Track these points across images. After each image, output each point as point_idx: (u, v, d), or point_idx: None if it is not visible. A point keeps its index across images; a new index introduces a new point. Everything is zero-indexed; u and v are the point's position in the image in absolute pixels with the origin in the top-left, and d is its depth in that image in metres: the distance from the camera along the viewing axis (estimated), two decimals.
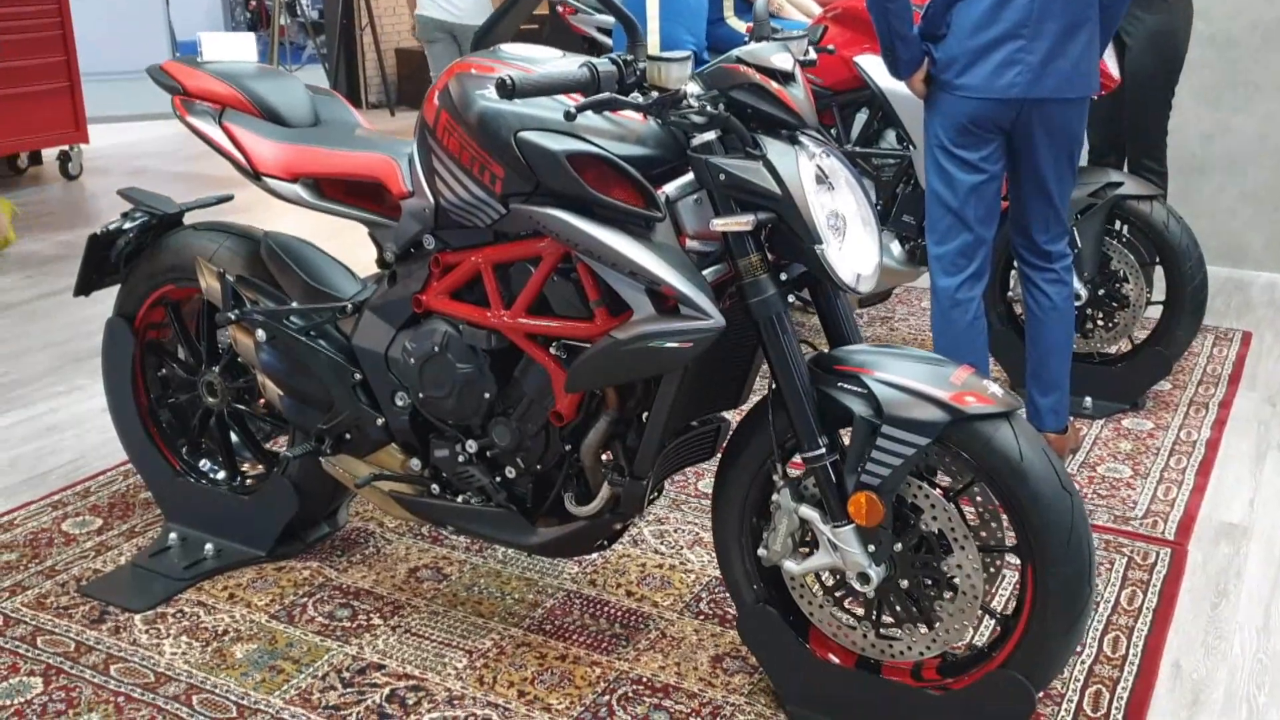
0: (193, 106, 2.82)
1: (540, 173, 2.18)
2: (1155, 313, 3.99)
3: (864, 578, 2.21)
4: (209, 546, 3.03)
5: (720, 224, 2.11)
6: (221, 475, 3.13)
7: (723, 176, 2.12)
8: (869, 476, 2.15)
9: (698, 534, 3.16)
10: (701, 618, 2.77)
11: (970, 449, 2.14)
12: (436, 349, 2.48)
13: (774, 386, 2.25)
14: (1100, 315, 3.95)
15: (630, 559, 3.03)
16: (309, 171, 2.65)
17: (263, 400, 2.92)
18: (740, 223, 2.10)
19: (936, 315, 3.37)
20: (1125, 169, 4.60)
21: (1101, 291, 3.92)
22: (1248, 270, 5.59)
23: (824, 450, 2.19)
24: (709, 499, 3.25)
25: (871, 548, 2.19)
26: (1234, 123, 5.49)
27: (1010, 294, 4.04)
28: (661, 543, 3.11)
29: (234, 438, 3.13)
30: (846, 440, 2.23)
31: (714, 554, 2.98)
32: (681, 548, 3.09)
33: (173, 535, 3.09)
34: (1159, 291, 3.94)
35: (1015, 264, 3.61)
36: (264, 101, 2.78)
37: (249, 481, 3.13)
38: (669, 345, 2.15)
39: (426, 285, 2.51)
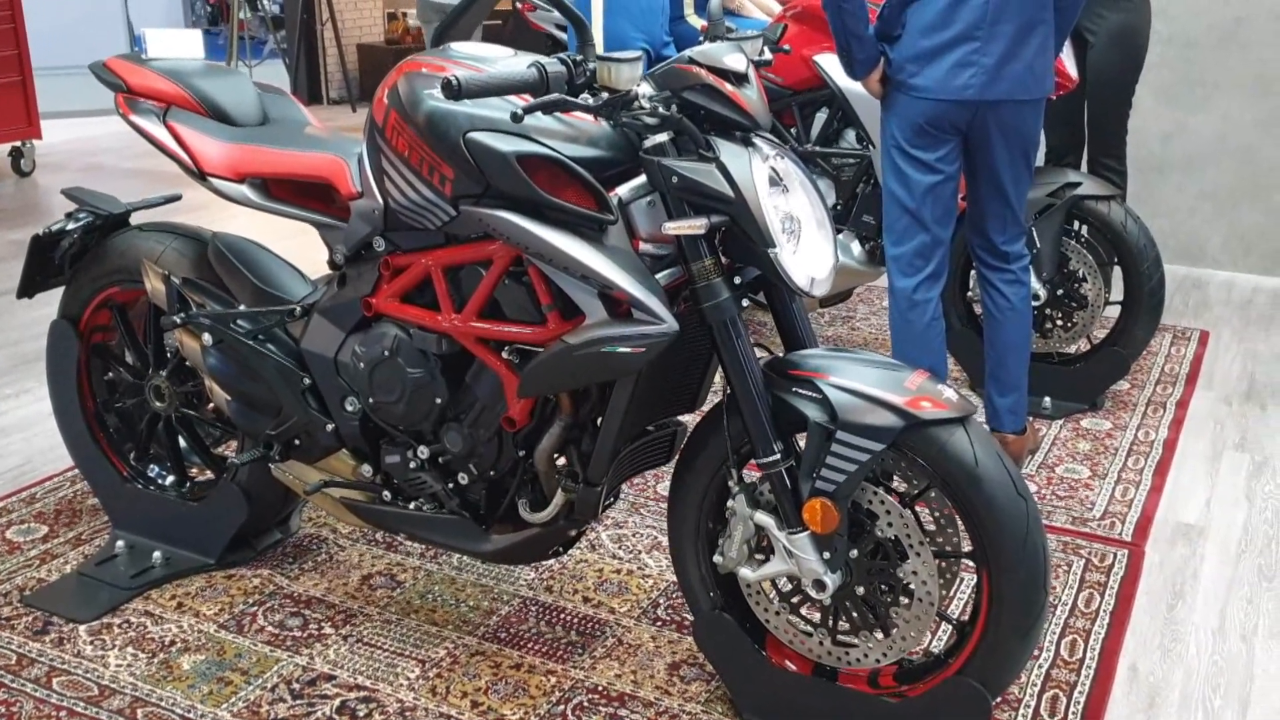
0: (137, 105, 2.76)
1: (490, 174, 2.14)
2: (1113, 312, 3.99)
3: (820, 585, 2.18)
4: (157, 554, 2.98)
5: (672, 227, 2.08)
6: (170, 481, 3.07)
7: (675, 179, 2.09)
8: (824, 483, 2.13)
9: (656, 538, 3.13)
10: (659, 624, 2.74)
11: (925, 454, 2.12)
12: (386, 353, 2.44)
13: (729, 391, 2.22)
14: (1059, 315, 3.95)
15: (588, 564, 2.99)
16: (256, 171, 2.60)
17: (211, 405, 2.87)
18: (693, 226, 2.07)
19: (895, 315, 3.35)
20: (1085, 168, 4.60)
21: (1060, 291, 3.92)
22: (1205, 269, 5.61)
23: (779, 456, 2.16)
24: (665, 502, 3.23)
25: (827, 555, 2.17)
26: (1192, 122, 5.51)
27: (970, 294, 4.04)
28: (620, 547, 3.08)
29: (182, 443, 3.07)
30: (802, 446, 2.20)
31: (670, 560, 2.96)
32: (640, 552, 3.06)
33: (120, 543, 3.03)
34: (1117, 291, 3.95)
35: (974, 265, 3.60)
36: (210, 100, 2.73)
37: (198, 488, 3.07)
38: (621, 350, 2.12)
39: (376, 288, 2.47)
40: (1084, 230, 3.91)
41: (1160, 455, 3.67)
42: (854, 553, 2.20)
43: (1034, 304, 3.82)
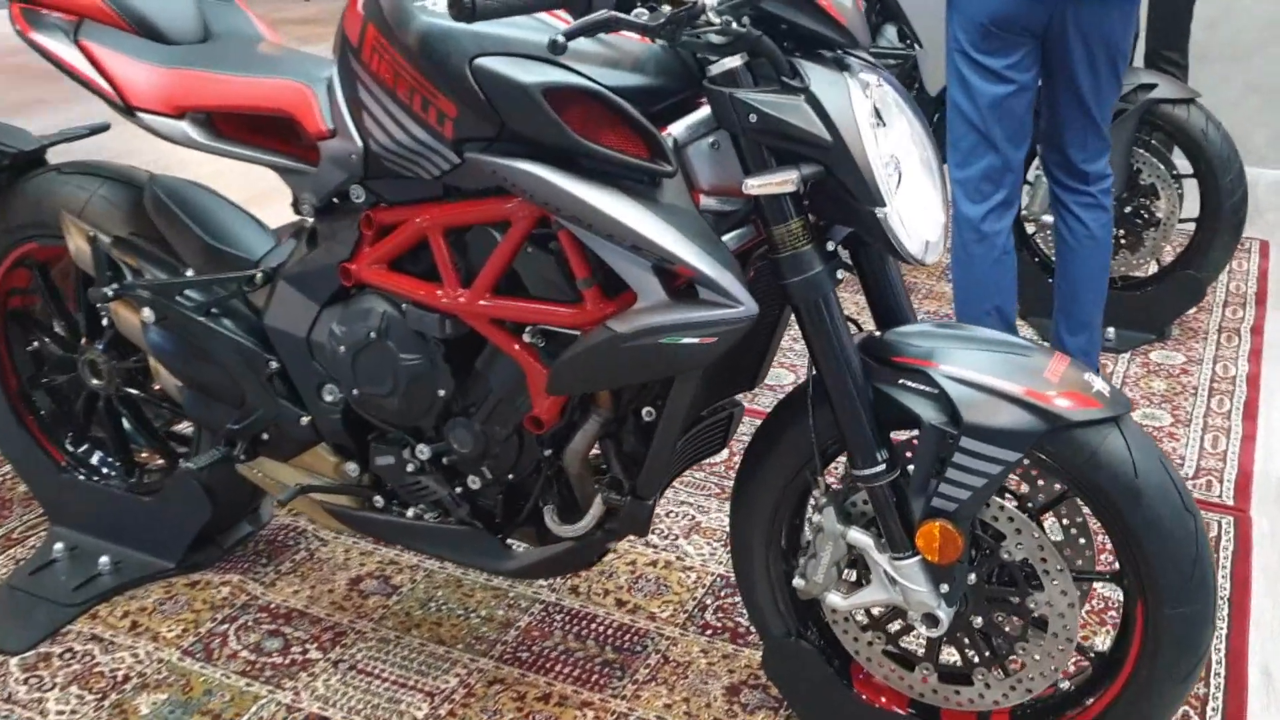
0: (38, 18, 2.20)
1: (506, 112, 1.64)
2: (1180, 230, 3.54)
3: (932, 620, 1.75)
4: (104, 559, 2.51)
5: (756, 185, 1.59)
6: (116, 471, 2.59)
7: (754, 117, 1.59)
8: (943, 501, 1.68)
9: (694, 519, 2.68)
10: (709, 633, 2.31)
11: (1069, 461, 1.67)
12: (372, 335, 1.95)
13: (814, 377, 1.76)
14: (1126, 234, 3.49)
15: (619, 555, 2.55)
16: (198, 104, 2.07)
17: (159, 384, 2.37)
18: (782, 182, 1.58)
19: (957, 248, 2.88)
20: (1141, 61, 4.10)
21: (1129, 209, 3.45)
22: (1252, 168, 5.13)
23: (884, 467, 1.70)
24: (706, 472, 2.79)
25: (944, 587, 1.72)
26: (1240, 6, 5.01)
27: (1023, 211, 3.56)
28: (653, 532, 2.63)
29: (128, 425, 2.58)
30: (905, 447, 1.75)
31: (714, 543, 2.54)
32: (676, 537, 2.62)
33: (59, 545, 2.55)
34: (1190, 207, 3.49)
35: (1047, 182, 3.12)
36: (135, 10, 2.17)
37: (150, 477, 2.59)
38: (687, 341, 1.64)
39: (356, 251, 1.97)
40: (1153, 138, 3.44)
41: (1245, 395, 3.24)
42: (972, 578, 1.76)
43: None
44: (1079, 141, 2.89)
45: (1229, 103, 5.14)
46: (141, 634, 2.34)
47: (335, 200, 2.00)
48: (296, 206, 2.05)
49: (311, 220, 2.03)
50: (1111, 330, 3.50)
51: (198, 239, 2.20)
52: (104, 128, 2.61)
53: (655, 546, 2.57)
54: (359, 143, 1.87)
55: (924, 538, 1.69)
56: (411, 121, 1.76)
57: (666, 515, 2.69)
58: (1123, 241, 3.50)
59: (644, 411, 1.90)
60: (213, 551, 2.55)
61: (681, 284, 1.67)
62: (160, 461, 2.60)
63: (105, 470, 2.60)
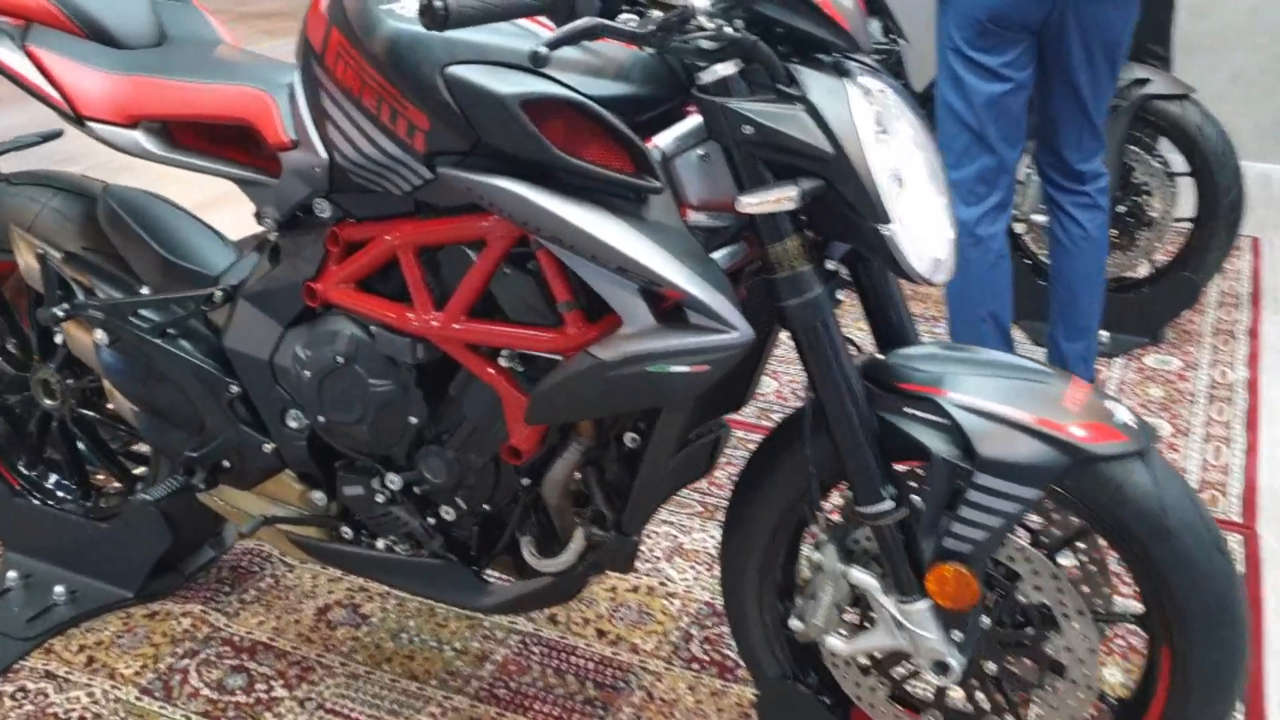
0: None
1: (481, 125, 1.51)
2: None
3: (942, 667, 1.63)
4: (59, 589, 2.37)
5: (752, 203, 1.47)
6: (72, 495, 2.45)
7: (748, 129, 1.47)
8: (956, 541, 1.56)
9: (676, 539, 2.56)
10: (696, 667, 2.19)
11: (1091, 496, 1.56)
12: (340, 359, 1.82)
13: (811, 403, 1.64)
14: (1119, 234, 3.39)
15: (598, 581, 2.42)
16: (152, 112, 1.93)
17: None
18: (781, 199, 1.46)
19: None
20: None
21: (1122, 208, 3.35)
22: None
23: (892, 505, 1.59)
24: (689, 490, 2.66)
25: (957, 634, 1.61)
26: None
27: (1012, 211, 3.45)
28: None
29: (83, 447, 2.44)
30: (910, 478, 1.64)
31: (698, 566, 2.43)
32: (659, 560, 2.50)
33: (12, 574, 2.41)
34: (1185, 206, 3.39)
35: (1037, 182, 3.02)
36: (85, 13, 2.03)
37: (108, 502, 2.45)
38: (676, 370, 1.52)
39: (322, 269, 1.84)
40: (1144, 135, 3.34)
41: (1246, 401, 3.15)
42: (985, 621, 1.65)
43: None
44: (1074, 141, 2.79)
45: (1213, 95, 4.99)
46: (98, 671, 2.21)
47: (299, 214, 1.86)
48: (259, 218, 1.92)
49: (275, 235, 1.90)
50: (1105, 334, 3.39)
51: (154, 254, 2.07)
52: (57, 134, 2.45)
53: (636, 571, 2.45)
54: (323, 155, 1.74)
55: (935, 581, 1.58)
56: (379, 133, 1.63)
57: (647, 536, 2.56)
58: (1115, 241, 3.40)
59: (627, 437, 1.79)
60: (173, 578, 2.42)
61: (670, 306, 1.55)
62: (118, 485, 2.46)
63: (60, 494, 2.46)
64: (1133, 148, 3.30)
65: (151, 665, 2.21)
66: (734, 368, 1.56)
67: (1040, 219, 3.34)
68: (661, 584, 2.42)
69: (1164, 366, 3.35)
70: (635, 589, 2.40)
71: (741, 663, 2.02)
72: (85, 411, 2.32)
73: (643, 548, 2.52)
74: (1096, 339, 2.97)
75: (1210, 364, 3.35)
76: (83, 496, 2.44)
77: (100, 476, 2.50)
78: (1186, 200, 3.37)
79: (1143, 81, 3.21)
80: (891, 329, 1.73)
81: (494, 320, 1.69)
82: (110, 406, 2.24)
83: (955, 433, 1.54)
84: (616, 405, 1.61)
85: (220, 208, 2.42)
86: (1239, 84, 5.02)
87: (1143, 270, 3.54)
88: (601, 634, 2.27)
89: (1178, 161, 3.36)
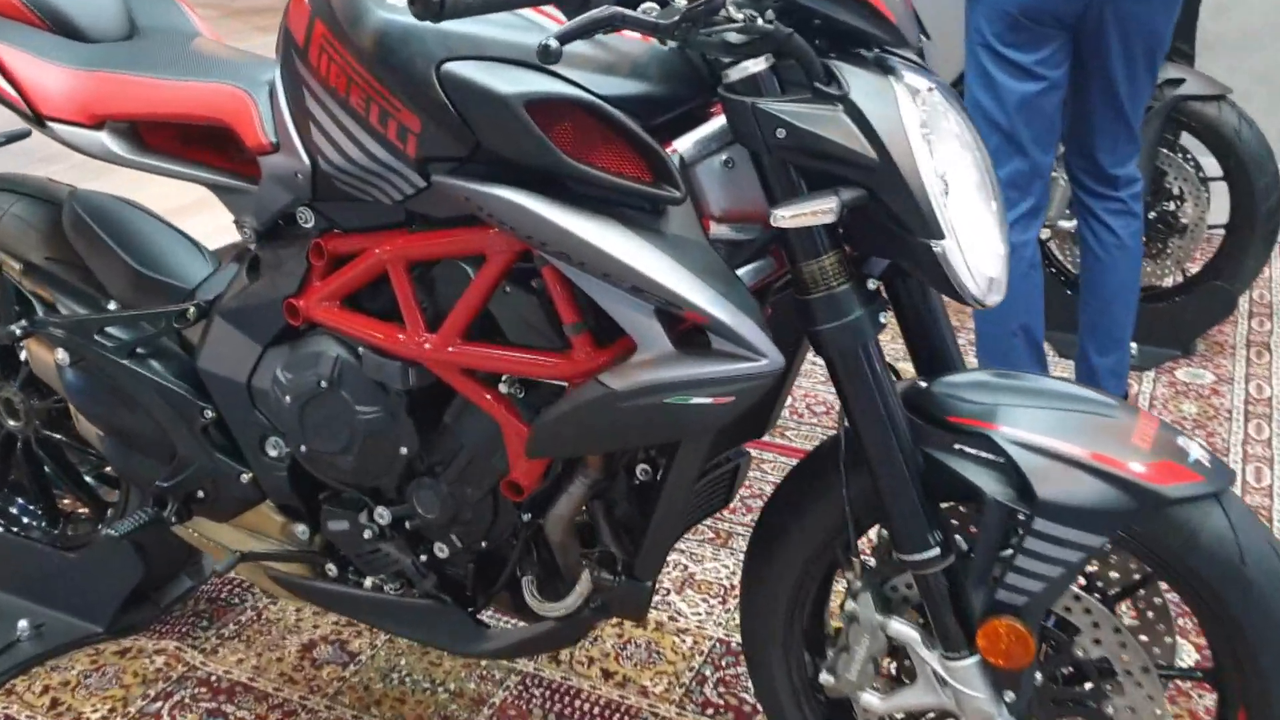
0: None
1: (480, 128, 1.35)
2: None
3: None
4: (24, 623, 2.21)
5: (788, 216, 1.30)
6: (38, 523, 2.28)
7: (781, 132, 1.30)
8: (1010, 593, 1.40)
9: (687, 569, 2.40)
10: (710, 712, 2.03)
11: (1161, 543, 1.39)
12: (323, 383, 1.65)
13: (846, 433, 1.48)
14: (1149, 242, 3.23)
15: None
16: (120, 112, 1.76)
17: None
18: (820, 211, 1.29)
19: None
20: None
21: (1153, 214, 3.19)
22: None
23: (939, 552, 1.42)
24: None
25: (1009, 695, 1.45)
26: None
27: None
28: None
29: (50, 470, 2.28)
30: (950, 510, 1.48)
31: (710, 599, 2.27)
32: (668, 592, 2.33)
33: None
34: (1218, 212, 3.23)
35: (1064, 186, 2.87)
36: (48, 3, 1.87)
37: (78, 529, 2.29)
38: (697, 402, 1.36)
39: (305, 284, 1.67)
40: (1177, 138, 3.18)
41: None
42: (1038, 677, 1.49)
43: None
44: (1109, 144, 2.63)
45: (1237, 95, 4.88)
46: (62, 714, 2.04)
47: (281, 224, 1.70)
48: (239, 227, 1.76)
49: (254, 246, 1.73)
50: (1134, 346, 3.23)
51: (123, 264, 1.90)
52: (24, 134, 2.28)
53: None
54: (305, 160, 1.57)
55: (987, 637, 1.41)
56: (367, 137, 1.46)
57: None
58: (1146, 249, 3.23)
59: (639, 470, 1.62)
60: (148, 611, 2.26)
61: (690, 329, 1.38)
62: (87, 512, 2.29)
63: (26, 521, 2.30)
64: (1165, 151, 3.13)
65: (120, 709, 2.05)
66: None
67: (1067, 225, 3.19)
68: (671, 619, 2.26)
69: (1197, 380, 3.18)
70: (644, 625, 2.23)
71: (760, 707, 1.86)
72: (51, 434, 2.16)
73: None
74: (1128, 352, 2.81)
75: (1245, 378, 3.19)
76: (49, 524, 2.28)
77: (67, 502, 2.34)
78: (1219, 206, 3.21)
79: (1176, 82, 3.06)
80: (933, 353, 1.56)
81: (493, 343, 1.52)
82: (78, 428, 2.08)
83: (1011, 472, 1.38)
84: (629, 439, 1.44)
85: (208, 210, 2.26)
86: (1263, 84, 4.86)
87: (1174, 279, 3.37)
88: (608, 674, 2.11)
89: (1209, 165, 3.20)
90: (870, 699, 1.55)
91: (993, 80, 2.49)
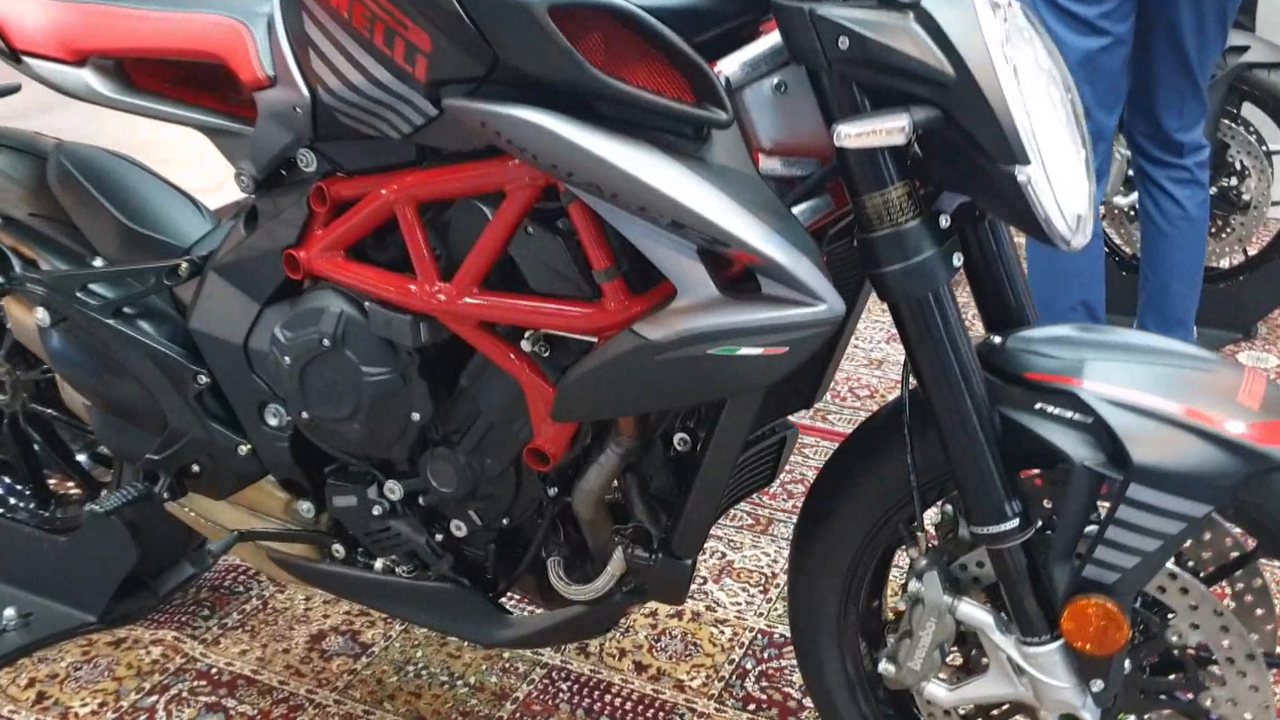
0: None
1: (499, 41, 1.18)
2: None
3: None
4: (10, 611, 2.07)
5: (853, 134, 1.14)
6: (26, 504, 2.14)
7: (844, 42, 1.14)
8: (1100, 569, 1.23)
9: (725, 557, 2.24)
10: (751, 707, 1.86)
11: (1271, 513, 1.22)
12: (327, 341, 1.50)
13: (912, 395, 1.31)
14: (1211, 219, 3.04)
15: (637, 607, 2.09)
16: (103, 47, 1.61)
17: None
18: (889, 129, 1.13)
19: None
20: None
21: (1213, 190, 3.01)
22: None
23: (1017, 523, 1.25)
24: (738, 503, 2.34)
25: (1097, 684, 1.28)
26: None
27: None
28: None
29: (39, 447, 2.13)
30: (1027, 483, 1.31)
31: (750, 588, 2.10)
32: (705, 580, 2.17)
33: None
34: None
35: (1120, 157, 2.69)
36: None
37: (68, 510, 2.14)
38: (746, 353, 1.20)
39: (306, 233, 1.52)
40: (1239, 109, 3.00)
41: None
42: (1126, 665, 1.32)
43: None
44: (1175, 106, 2.46)
45: None
46: (49, 709, 1.89)
47: (281, 172, 1.55)
48: (237, 179, 1.60)
49: (251, 196, 1.58)
50: (1194, 329, 3.06)
51: (113, 220, 1.75)
52: (15, 88, 2.15)
53: None
54: (305, 91, 1.42)
55: (1073, 618, 1.24)
56: (372, 60, 1.30)
57: None
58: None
59: (677, 439, 1.46)
60: (145, 599, 2.12)
61: (738, 272, 1.22)
62: (79, 492, 2.15)
63: (14, 502, 2.16)
64: (1227, 122, 2.95)
65: (112, 703, 1.90)
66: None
67: (1122, 201, 3.02)
68: (709, 609, 2.09)
69: (1260, 366, 3.00)
70: (679, 615, 2.07)
71: (806, 701, 1.70)
72: (39, 408, 2.01)
73: None
74: (1193, 332, 2.64)
75: None
76: (39, 505, 2.14)
77: (55, 482, 2.19)
78: None
79: (1240, 49, 2.88)
80: (1004, 306, 1.39)
81: (514, 293, 1.36)
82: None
83: (1101, 433, 1.21)
84: (668, 398, 1.28)
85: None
86: None
87: (1236, 259, 3.19)
88: (641, 668, 1.95)
89: (1273, 137, 3.02)
90: (935, 690, 1.39)
91: (1054, 35, 2.30)
